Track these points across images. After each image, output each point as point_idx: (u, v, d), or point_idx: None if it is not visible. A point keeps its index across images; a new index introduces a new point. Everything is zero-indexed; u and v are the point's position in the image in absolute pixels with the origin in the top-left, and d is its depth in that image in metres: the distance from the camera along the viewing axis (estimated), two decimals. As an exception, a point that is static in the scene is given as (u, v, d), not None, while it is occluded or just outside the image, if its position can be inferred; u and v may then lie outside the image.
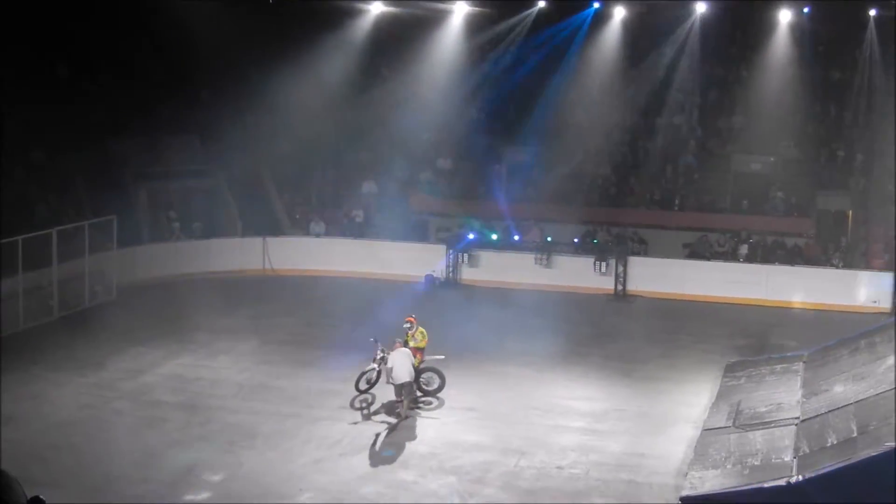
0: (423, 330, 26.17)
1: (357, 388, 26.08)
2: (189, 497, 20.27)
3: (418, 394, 25.79)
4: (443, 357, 26.56)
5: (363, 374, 26.11)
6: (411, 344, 25.68)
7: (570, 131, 43.12)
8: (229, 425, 24.42)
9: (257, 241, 40.16)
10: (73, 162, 37.90)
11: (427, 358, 26.13)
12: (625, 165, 43.29)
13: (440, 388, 26.27)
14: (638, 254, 39.01)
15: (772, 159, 41.90)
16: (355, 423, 24.62)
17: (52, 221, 33.99)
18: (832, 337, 29.41)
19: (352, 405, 25.65)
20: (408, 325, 26.17)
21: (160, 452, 22.73)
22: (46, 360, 28.75)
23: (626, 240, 39.67)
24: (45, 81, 38.00)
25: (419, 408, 25.53)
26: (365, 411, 25.37)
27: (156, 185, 40.51)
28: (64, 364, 28.48)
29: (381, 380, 25.84)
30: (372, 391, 26.14)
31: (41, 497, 13.18)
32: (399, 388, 24.79)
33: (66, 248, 33.57)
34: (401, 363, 24.74)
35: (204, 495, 20.47)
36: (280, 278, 39.30)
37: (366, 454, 22.86)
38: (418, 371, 25.58)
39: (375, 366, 25.94)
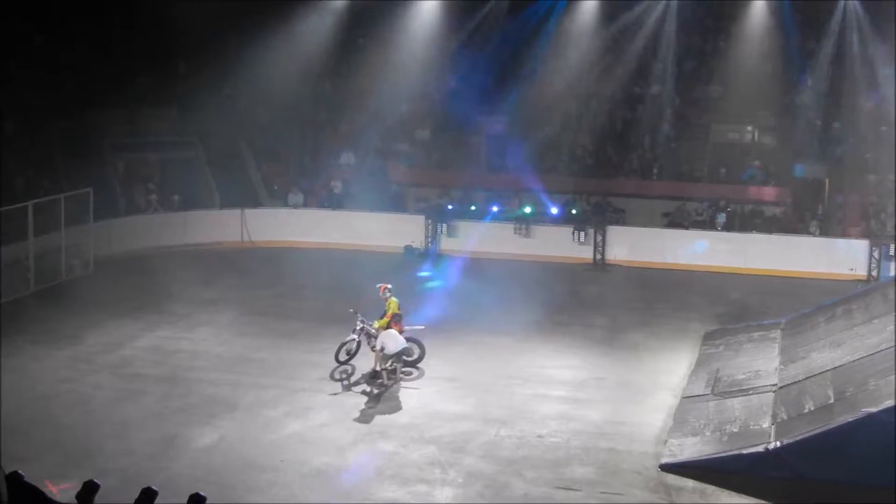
0: (395, 300, 26.31)
1: (337, 360, 26.09)
2: (170, 469, 20.25)
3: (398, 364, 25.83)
4: (423, 327, 26.60)
5: (343, 344, 26.13)
6: (385, 309, 26.03)
7: (548, 101, 43.09)
8: (209, 397, 24.40)
9: (235, 212, 40.05)
10: (49, 133, 37.71)
11: (406, 328, 26.16)
12: (603, 135, 43.27)
13: (420, 359, 26.29)
14: (616, 223, 39.04)
15: (749, 128, 42.02)
16: (335, 394, 24.63)
17: (28, 194, 33.83)
18: (809, 304, 29.62)
19: (332, 376, 25.67)
20: (377, 288, 26.43)
21: (140, 425, 22.70)
22: (24, 333, 28.63)
23: (604, 209, 39.69)
24: (21, 51, 37.74)
25: (400, 378, 25.51)
26: (345, 382, 25.39)
27: (133, 156, 40.41)
28: (42, 338, 28.39)
29: (361, 350, 25.90)
30: (352, 362, 26.16)
31: (19, 472, 13.16)
32: (387, 358, 24.95)
33: (42, 221, 33.41)
34: (391, 336, 24.96)
35: (184, 468, 20.45)
36: (258, 250, 39.26)
37: (346, 425, 22.86)
38: None
39: (355, 336, 25.99)
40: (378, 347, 25.06)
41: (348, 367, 26.08)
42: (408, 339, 26.01)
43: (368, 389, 24.87)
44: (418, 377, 25.75)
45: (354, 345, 26.11)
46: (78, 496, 13.78)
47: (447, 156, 42.63)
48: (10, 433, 21.18)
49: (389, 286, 26.60)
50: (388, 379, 25.10)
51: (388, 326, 25.73)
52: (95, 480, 14.06)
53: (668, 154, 42.18)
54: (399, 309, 26.15)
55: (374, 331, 25.86)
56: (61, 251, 34.38)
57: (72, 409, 23.61)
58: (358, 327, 26.00)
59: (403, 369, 25.81)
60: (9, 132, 37.12)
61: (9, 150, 36.04)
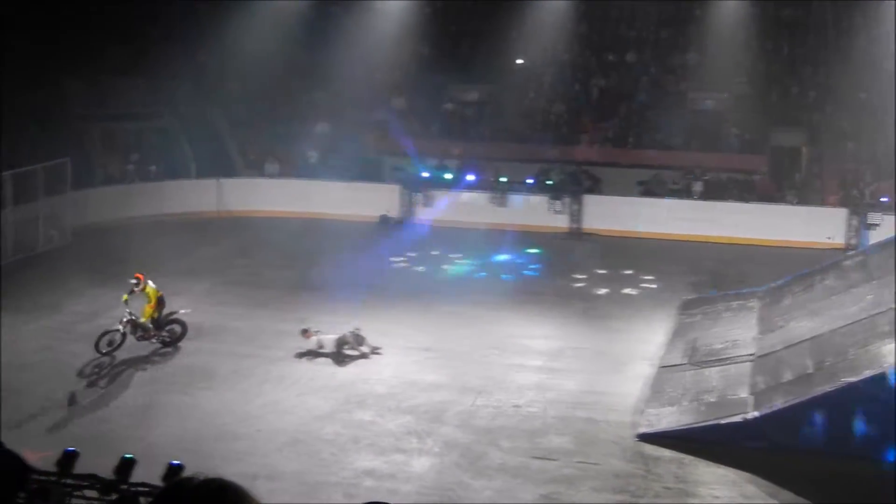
0: (152, 287, 25.32)
1: (97, 349, 24.49)
2: (147, 438, 20.20)
3: (161, 342, 25.36)
4: (189, 310, 26.27)
5: (105, 333, 24.78)
6: (144, 302, 25.11)
7: (522, 69, 43.05)
8: (185, 366, 24.36)
9: (212, 182, 39.91)
10: (24, 103, 37.41)
11: (179, 312, 25.85)
12: (578, 103, 43.23)
13: (181, 337, 25.63)
14: (592, 192, 39.01)
15: (725, 96, 42.01)
16: (312, 364, 24.54)
17: (4, 164, 33.59)
18: (787, 273, 29.63)
19: (81, 372, 24.15)
20: (135, 281, 25.23)
21: (117, 394, 22.66)
22: (1, 304, 28.46)
23: (580, 178, 39.66)
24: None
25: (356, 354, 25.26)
26: (309, 357, 25.08)
27: (109, 126, 40.18)
28: (20, 307, 28.21)
29: (127, 342, 24.99)
30: (114, 353, 24.82)
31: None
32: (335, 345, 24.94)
33: (19, 191, 33.26)
34: (328, 340, 24.94)
35: (161, 436, 20.41)
36: (234, 219, 39.07)
37: (323, 395, 22.84)
38: (163, 322, 25.34)
39: (120, 328, 24.70)
40: (324, 348, 24.95)
41: (106, 360, 24.68)
42: (173, 321, 25.54)
43: (339, 361, 24.77)
44: (393, 347, 25.64)
45: (118, 336, 24.63)
46: (58, 463, 13.75)
47: (422, 124, 42.50)
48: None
49: (143, 274, 25.49)
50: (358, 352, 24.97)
51: (156, 315, 25.16)
52: (74, 448, 14.02)
53: (644, 122, 42.15)
54: (159, 292, 25.37)
55: (142, 321, 24.90)
56: (39, 221, 34.23)
57: (50, 377, 23.54)
58: (125, 319, 24.70)
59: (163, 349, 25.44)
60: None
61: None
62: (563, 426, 21.44)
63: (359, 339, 25.17)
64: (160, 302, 25.31)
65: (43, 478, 13.09)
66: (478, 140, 41.72)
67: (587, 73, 44.05)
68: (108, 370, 24.43)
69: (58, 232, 35.06)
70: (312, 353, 24.90)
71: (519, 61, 43.48)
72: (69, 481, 13.44)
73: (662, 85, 43.38)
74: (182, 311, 26.02)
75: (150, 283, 25.34)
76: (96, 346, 24.53)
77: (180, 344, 25.73)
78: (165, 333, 25.39)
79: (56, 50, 38.10)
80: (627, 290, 31.20)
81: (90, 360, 24.52)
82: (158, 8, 39.89)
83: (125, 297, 24.95)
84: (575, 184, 39.08)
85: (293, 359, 24.84)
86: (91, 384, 23.71)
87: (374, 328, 25.94)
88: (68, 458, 13.78)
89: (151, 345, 25.41)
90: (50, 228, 34.75)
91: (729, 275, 32.81)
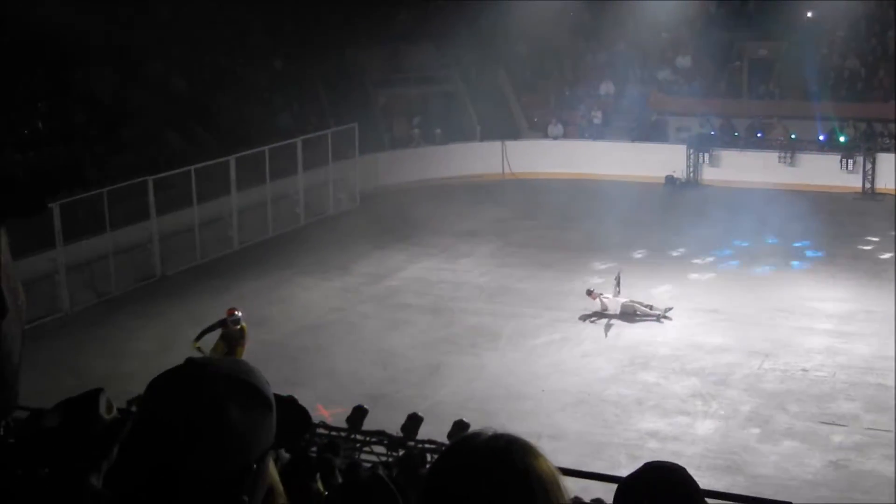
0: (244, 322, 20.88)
1: None
2: (434, 396, 20.67)
3: None
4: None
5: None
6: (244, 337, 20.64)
7: (813, 24, 41.74)
8: (472, 327, 24.78)
9: (496, 144, 40.32)
10: (313, 70, 38.68)
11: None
12: (874, 57, 41.62)
13: None
14: (888, 150, 37.58)
15: None
16: (595, 324, 24.60)
17: (296, 130, 34.85)
18: None
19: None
20: (234, 318, 20.45)
21: (405, 353, 23.27)
22: (295, 265, 29.64)
23: (875, 135, 38.24)
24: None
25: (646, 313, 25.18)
26: (593, 319, 25.13)
27: (395, 91, 41.06)
28: (311, 269, 29.32)
29: None
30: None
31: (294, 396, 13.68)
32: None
33: (309, 156, 34.45)
34: (613, 302, 24.88)
35: (448, 395, 20.85)
36: (519, 181, 39.39)
37: (607, 356, 22.88)
38: None
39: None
40: (611, 310, 24.89)
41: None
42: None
43: (626, 323, 24.74)
44: (679, 309, 25.40)
45: None
46: (348, 420, 14.28)
47: (709, 83, 41.78)
48: (284, 359, 22.19)
49: (235, 308, 20.95)
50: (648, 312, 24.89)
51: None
52: (364, 406, 14.52)
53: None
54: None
55: None
56: (329, 185, 35.38)
57: (341, 337, 24.38)
58: None
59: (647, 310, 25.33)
60: (277, 69, 38.28)
61: (275, 87, 37.24)
62: (853, 391, 20.86)
63: (644, 303, 25.10)
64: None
65: (334, 433, 13.63)
66: (767, 97, 40.78)
67: (884, 26, 42.33)
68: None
69: (346, 195, 36.13)
70: (597, 315, 24.99)
71: (809, 15, 42.25)
72: (359, 437, 13.97)
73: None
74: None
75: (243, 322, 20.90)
76: None
77: (465, 305, 26.26)
78: None
79: (345, 18, 39.16)
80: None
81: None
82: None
83: (196, 344, 20.08)
84: (869, 141, 37.72)
85: (577, 320, 24.97)
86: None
87: (660, 290, 25.90)
88: (358, 414, 14.33)
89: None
90: (339, 192, 35.85)
91: None
